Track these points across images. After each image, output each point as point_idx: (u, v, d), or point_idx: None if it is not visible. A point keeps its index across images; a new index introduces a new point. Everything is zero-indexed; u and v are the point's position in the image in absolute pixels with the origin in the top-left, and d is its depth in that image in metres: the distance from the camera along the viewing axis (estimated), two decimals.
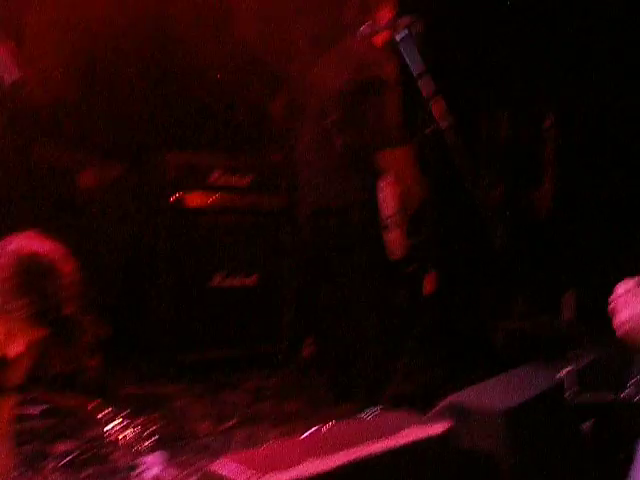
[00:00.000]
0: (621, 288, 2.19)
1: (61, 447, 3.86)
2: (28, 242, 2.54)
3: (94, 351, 2.60)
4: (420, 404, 4.27)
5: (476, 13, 6.39)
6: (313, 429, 2.75)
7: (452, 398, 2.91)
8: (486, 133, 7.15)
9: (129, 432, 3.61)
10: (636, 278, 2.22)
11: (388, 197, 4.62)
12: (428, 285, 3.65)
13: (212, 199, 5.48)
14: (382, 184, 4.62)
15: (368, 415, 3.22)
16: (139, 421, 4.17)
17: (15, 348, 2.50)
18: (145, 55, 5.67)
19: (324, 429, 2.74)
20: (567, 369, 3.02)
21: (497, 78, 6.80)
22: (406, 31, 3.60)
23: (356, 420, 3.11)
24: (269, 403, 4.74)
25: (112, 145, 5.69)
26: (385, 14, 4.74)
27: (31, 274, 2.47)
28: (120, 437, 3.54)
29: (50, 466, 3.63)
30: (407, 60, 3.58)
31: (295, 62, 5.19)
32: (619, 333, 2.14)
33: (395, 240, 4.63)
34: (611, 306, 2.18)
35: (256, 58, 5.75)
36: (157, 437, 4.01)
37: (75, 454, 3.78)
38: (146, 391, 4.83)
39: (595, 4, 6.21)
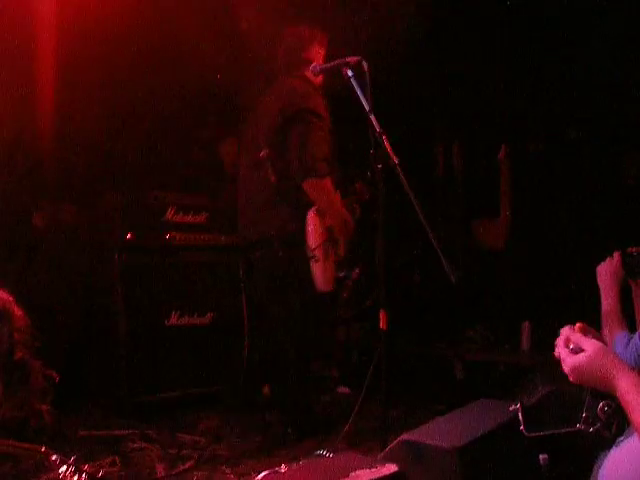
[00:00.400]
0: (561, 337, 2.21)
1: None
2: None
3: (45, 395, 2.55)
4: (375, 442, 4.26)
5: (429, 46, 6.46)
6: (267, 472, 2.72)
7: (405, 436, 2.89)
8: (442, 165, 7.21)
9: (83, 476, 3.54)
10: (568, 328, 2.24)
11: (312, 228, 4.65)
12: (382, 320, 3.64)
13: (166, 237, 5.45)
14: (308, 215, 4.65)
15: (322, 455, 3.19)
16: (93, 464, 4.13)
17: None
18: (96, 96, 5.66)
19: (279, 470, 2.71)
20: (521, 402, 3.02)
21: (451, 110, 6.87)
22: (350, 72, 3.63)
23: (310, 461, 3.08)
24: (227, 443, 4.68)
25: (64, 185, 5.66)
26: (318, 52, 4.81)
27: None
28: None
29: None
30: (359, 97, 3.60)
31: (246, 99, 5.21)
32: (569, 379, 2.17)
33: (321, 272, 4.65)
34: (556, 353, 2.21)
35: (209, 95, 5.76)
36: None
37: None
38: (100, 434, 4.75)
39: (547, 37, 6.31)
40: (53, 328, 5.06)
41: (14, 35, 5.27)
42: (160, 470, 4.22)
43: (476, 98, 6.67)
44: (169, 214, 5.50)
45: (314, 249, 4.61)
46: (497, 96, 6.65)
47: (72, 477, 3.32)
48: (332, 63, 3.80)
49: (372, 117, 3.58)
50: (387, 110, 3.89)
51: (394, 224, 4.15)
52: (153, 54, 5.54)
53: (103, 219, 5.45)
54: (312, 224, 4.65)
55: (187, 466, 4.26)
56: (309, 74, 4.66)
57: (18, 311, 2.51)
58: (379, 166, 3.55)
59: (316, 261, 4.61)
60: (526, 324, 6.04)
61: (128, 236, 5.30)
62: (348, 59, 3.71)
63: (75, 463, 3.08)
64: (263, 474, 2.71)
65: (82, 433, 4.72)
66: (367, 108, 3.60)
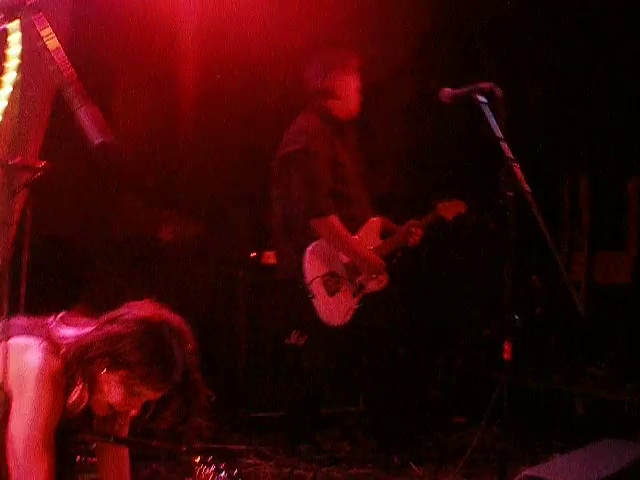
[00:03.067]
0: None
1: None
2: (155, 309, 2.58)
3: (206, 412, 2.62)
4: (492, 475, 4.18)
5: (557, 76, 6.36)
6: None
7: (528, 472, 2.84)
8: (568, 196, 7.07)
9: (223, 475, 3.58)
10: None
11: (307, 265, 4.66)
12: (507, 351, 3.56)
13: None
14: (306, 251, 4.66)
15: None
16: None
17: (133, 407, 2.53)
18: (229, 114, 5.74)
19: None
20: None
21: (579, 141, 6.72)
22: (483, 99, 3.59)
23: None
24: (340, 467, 4.66)
25: (192, 201, 5.78)
26: (344, 77, 4.80)
27: (162, 342, 2.50)
28: None
29: None
30: (490, 124, 3.56)
31: None
32: None
33: (322, 307, 4.65)
34: None
35: None
36: None
37: None
38: (215, 447, 4.79)
39: None
40: None
41: (151, 54, 5.42)
42: None
43: (606, 129, 6.52)
44: None
45: (308, 285, 4.62)
46: (627, 127, 6.48)
47: (214, 477, 3.35)
48: (464, 89, 3.75)
49: (504, 144, 3.52)
50: (514, 138, 3.83)
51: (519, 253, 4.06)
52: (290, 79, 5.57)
53: (229, 236, 5.56)
54: (307, 261, 4.66)
55: None
56: (329, 103, 4.76)
57: (189, 333, 2.60)
58: (509, 194, 3.49)
59: (312, 297, 4.62)
60: None
61: (253, 254, 5.38)
62: (481, 85, 3.66)
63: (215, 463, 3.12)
64: None
65: (197, 446, 4.76)
66: (499, 135, 3.54)
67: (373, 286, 4.79)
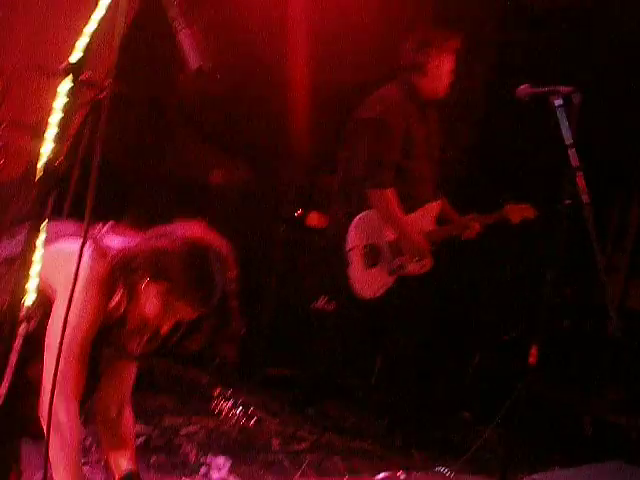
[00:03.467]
0: None
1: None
2: (203, 232, 2.59)
3: (234, 341, 2.64)
4: (491, 474, 4.17)
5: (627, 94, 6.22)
6: (386, 473, 2.71)
7: (533, 477, 2.84)
8: (616, 219, 6.98)
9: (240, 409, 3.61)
10: None
11: (352, 233, 4.62)
12: (533, 356, 3.54)
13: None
14: (355, 219, 4.62)
15: (442, 473, 3.16)
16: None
17: (165, 323, 2.55)
18: (309, 73, 5.69)
19: (398, 476, 2.70)
20: None
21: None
22: (560, 102, 3.53)
23: (430, 475, 3.05)
24: (343, 436, 4.69)
25: (247, 147, 5.77)
26: (439, 56, 4.70)
27: (205, 264, 2.52)
28: None
29: None
30: (561, 128, 3.51)
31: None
32: None
33: (355, 276, 4.61)
34: None
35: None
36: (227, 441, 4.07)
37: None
38: (227, 394, 4.82)
39: None
40: None
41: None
42: (275, 444, 4.28)
43: None
44: None
45: (347, 251, 4.59)
46: None
47: (231, 410, 3.39)
48: (542, 88, 3.70)
49: (572, 151, 3.47)
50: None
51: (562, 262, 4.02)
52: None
53: (277, 191, 5.56)
54: (353, 228, 4.63)
55: (302, 447, 4.30)
56: (417, 78, 4.69)
57: (233, 261, 2.61)
58: (568, 201, 3.45)
59: (347, 265, 4.59)
60: None
61: (298, 212, 5.37)
62: (560, 88, 3.60)
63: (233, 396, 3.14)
64: (382, 475, 2.71)
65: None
66: (568, 142, 3.50)
67: (415, 269, 4.73)
